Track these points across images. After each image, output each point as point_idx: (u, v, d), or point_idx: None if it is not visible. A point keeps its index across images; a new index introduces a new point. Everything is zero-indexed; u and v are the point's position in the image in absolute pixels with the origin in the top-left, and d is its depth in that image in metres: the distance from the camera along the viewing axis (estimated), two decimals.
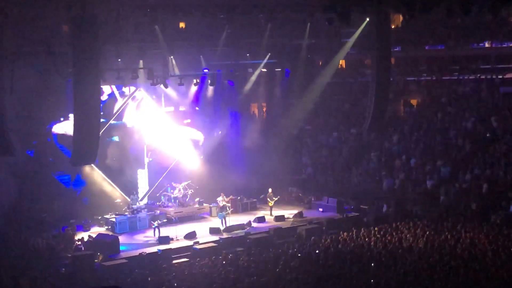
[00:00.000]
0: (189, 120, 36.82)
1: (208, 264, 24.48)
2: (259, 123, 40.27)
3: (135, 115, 34.94)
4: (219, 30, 33.23)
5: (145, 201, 34.47)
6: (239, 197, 34.71)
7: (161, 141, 35.61)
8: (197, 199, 33.93)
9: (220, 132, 37.73)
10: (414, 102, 41.18)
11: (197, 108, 37.06)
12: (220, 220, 31.29)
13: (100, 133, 26.55)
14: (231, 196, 33.78)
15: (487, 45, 39.86)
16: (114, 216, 31.61)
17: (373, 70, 29.31)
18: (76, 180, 33.62)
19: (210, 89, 36.47)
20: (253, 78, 37.41)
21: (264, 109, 41.43)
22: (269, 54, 36.75)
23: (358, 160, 37.77)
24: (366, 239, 26.24)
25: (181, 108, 36.81)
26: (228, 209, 31.93)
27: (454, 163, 34.05)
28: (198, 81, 35.01)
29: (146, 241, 29.64)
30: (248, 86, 37.63)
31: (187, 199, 33.75)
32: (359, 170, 36.84)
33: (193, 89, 35.89)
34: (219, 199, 32.56)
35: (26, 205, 31.29)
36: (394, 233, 26.94)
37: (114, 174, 34.40)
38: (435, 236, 25.88)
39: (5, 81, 27.61)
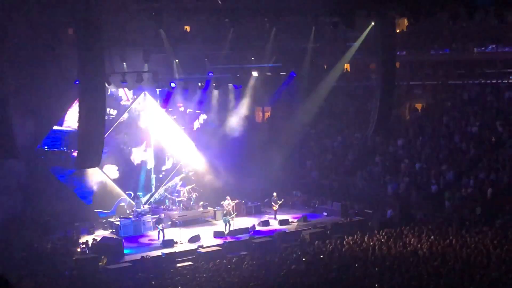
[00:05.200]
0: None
1: (212, 268, 24.46)
2: (263, 127, 40.27)
3: (141, 118, 35.04)
4: (224, 33, 33.27)
5: (149, 204, 34.53)
6: (243, 201, 34.70)
7: (166, 144, 35.71)
8: (201, 203, 33.94)
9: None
10: (419, 106, 41.14)
11: (198, 112, 37.11)
12: (225, 224, 31.26)
13: (105, 136, 26.63)
14: (236, 200, 33.79)
15: (492, 49, 39.79)
16: (118, 219, 31.65)
17: (378, 74, 29.33)
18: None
19: (215, 93, 36.59)
20: (258, 81, 37.44)
21: (269, 113, 41.42)
22: (274, 57, 36.73)
23: (362, 164, 37.72)
24: (371, 244, 26.20)
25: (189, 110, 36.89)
26: (232, 213, 31.91)
27: (459, 167, 34.00)
28: (203, 84, 35.03)
29: (150, 244, 29.64)
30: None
31: (192, 202, 33.76)
32: (363, 174, 36.79)
33: (198, 92, 35.91)
34: (225, 202, 32.56)
35: (30, 208, 31.33)
36: (398, 238, 26.89)
37: (119, 176, 34.52)
38: (439, 241, 25.83)
39: (10, 85, 27.68)
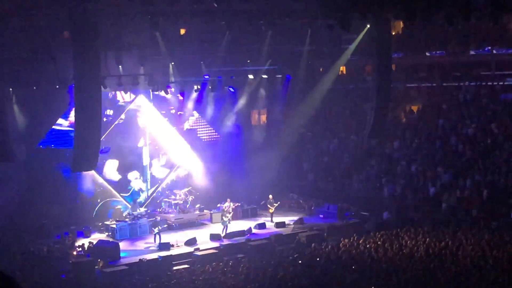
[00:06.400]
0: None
1: (208, 270, 24.46)
2: (259, 130, 40.28)
3: (138, 118, 35.11)
4: (219, 36, 33.26)
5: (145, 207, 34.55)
6: (239, 204, 34.70)
7: (163, 146, 35.76)
8: (197, 206, 33.93)
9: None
10: (414, 108, 41.15)
11: (194, 113, 37.14)
12: (223, 226, 31.23)
13: (101, 138, 26.62)
14: (237, 203, 33.74)
15: (487, 51, 39.85)
16: (114, 222, 31.63)
17: (373, 77, 29.35)
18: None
19: (211, 95, 36.61)
20: (254, 84, 37.46)
21: (265, 116, 41.44)
22: (270, 60, 36.74)
23: (359, 167, 37.73)
24: (367, 246, 26.21)
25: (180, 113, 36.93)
26: (228, 215, 31.88)
27: (455, 169, 34.01)
28: (198, 87, 35.07)
29: (146, 247, 29.63)
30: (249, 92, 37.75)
31: (188, 205, 33.76)
32: (360, 177, 36.80)
33: (194, 95, 35.91)
34: (226, 204, 32.53)
35: (27, 211, 31.28)
36: (395, 240, 26.90)
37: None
38: (436, 243, 25.85)
39: (6, 88, 27.66)
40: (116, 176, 34.62)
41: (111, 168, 34.51)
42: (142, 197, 35.19)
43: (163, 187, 35.87)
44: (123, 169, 34.77)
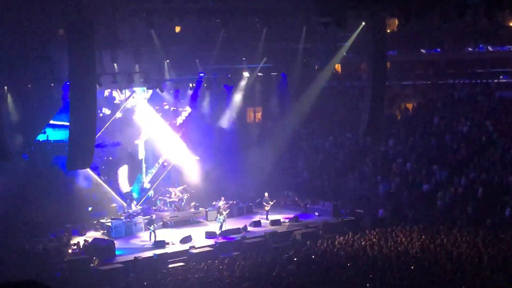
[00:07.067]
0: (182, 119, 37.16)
1: (204, 268, 24.45)
2: (255, 127, 40.26)
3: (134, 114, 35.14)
4: (215, 34, 33.24)
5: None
6: (235, 201, 34.68)
7: (158, 144, 35.74)
8: (193, 204, 33.89)
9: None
10: (410, 106, 41.24)
11: (187, 108, 37.13)
12: (220, 224, 31.22)
13: (96, 137, 26.60)
14: (231, 201, 33.74)
15: (482, 49, 39.93)
16: (110, 220, 31.59)
17: (368, 74, 29.37)
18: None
19: (207, 93, 36.58)
20: (249, 82, 37.43)
21: (260, 113, 41.44)
22: (265, 58, 36.72)
23: (354, 164, 37.77)
24: (362, 243, 26.25)
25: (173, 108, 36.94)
26: (223, 213, 31.88)
27: (450, 167, 34.09)
28: (194, 85, 35.04)
29: (141, 245, 29.58)
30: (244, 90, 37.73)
31: (183, 203, 33.70)
32: (355, 174, 36.84)
33: (189, 93, 35.88)
34: (221, 203, 32.52)
35: (22, 209, 31.21)
36: (390, 237, 26.95)
37: (110, 177, 34.57)
38: (431, 240, 25.91)
39: (1, 86, 27.60)
40: (131, 188, 34.92)
41: (123, 177, 34.65)
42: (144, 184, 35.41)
43: (159, 183, 35.91)
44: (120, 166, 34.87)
